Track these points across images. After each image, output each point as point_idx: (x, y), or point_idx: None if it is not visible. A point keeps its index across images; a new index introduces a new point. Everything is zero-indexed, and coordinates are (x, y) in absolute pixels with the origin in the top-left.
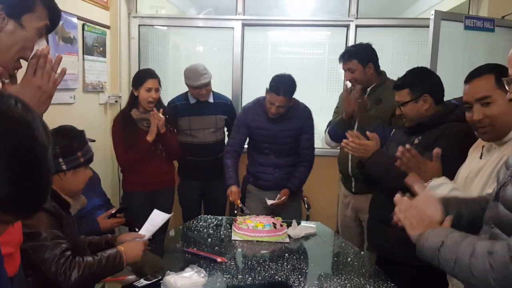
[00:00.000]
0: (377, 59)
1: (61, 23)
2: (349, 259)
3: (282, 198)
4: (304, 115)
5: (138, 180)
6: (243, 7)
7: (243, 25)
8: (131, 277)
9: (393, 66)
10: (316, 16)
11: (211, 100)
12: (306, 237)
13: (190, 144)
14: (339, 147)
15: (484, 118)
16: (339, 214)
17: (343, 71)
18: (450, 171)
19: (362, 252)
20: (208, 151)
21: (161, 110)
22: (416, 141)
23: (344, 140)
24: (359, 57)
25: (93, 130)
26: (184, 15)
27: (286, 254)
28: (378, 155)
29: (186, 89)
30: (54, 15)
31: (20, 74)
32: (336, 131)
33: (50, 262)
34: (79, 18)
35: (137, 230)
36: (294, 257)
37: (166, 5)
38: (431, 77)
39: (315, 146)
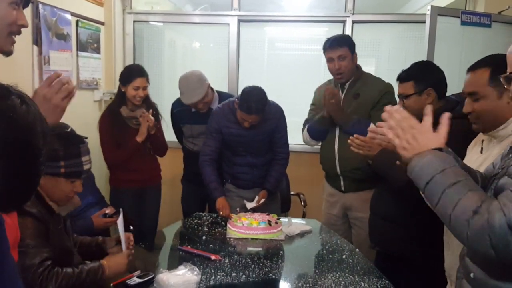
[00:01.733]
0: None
1: (54, 19)
2: (344, 256)
3: (261, 201)
4: (276, 115)
5: (126, 177)
6: (238, 3)
7: (239, 21)
8: (136, 272)
9: (390, 62)
10: (312, 12)
11: (214, 106)
12: (301, 234)
13: (191, 152)
14: (319, 145)
15: (472, 112)
16: (323, 213)
17: None
18: None
19: (357, 250)
20: None
21: (151, 111)
22: None
23: (351, 138)
24: (350, 44)
25: (87, 127)
26: (180, 11)
27: (281, 252)
28: (384, 153)
29: None
30: None
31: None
32: (317, 129)
33: (28, 270)
34: (73, 14)
35: (131, 228)
36: (289, 254)
37: (162, 1)
38: (436, 71)
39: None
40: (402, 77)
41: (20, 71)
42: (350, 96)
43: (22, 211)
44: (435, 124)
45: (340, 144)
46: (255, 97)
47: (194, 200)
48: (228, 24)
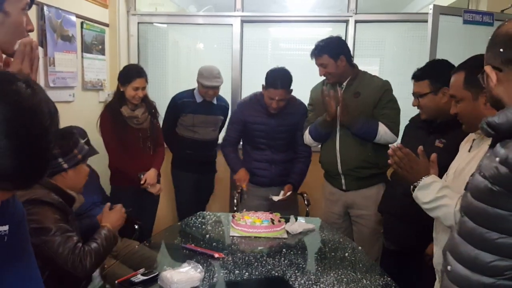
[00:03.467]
0: (349, 51)
1: (59, 21)
2: (346, 254)
3: (288, 194)
4: (300, 111)
5: (126, 176)
6: (242, 3)
7: (242, 21)
8: (141, 270)
9: (395, 62)
10: (316, 12)
11: (215, 101)
12: (305, 233)
13: (191, 139)
14: (319, 146)
15: (456, 113)
16: (324, 211)
17: None
18: None
19: (359, 247)
20: (206, 147)
21: (159, 187)
22: (439, 143)
23: (391, 149)
24: (329, 51)
25: (92, 127)
26: (184, 12)
27: (284, 250)
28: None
29: (186, 86)
30: None
31: None
32: (320, 133)
33: (66, 256)
34: (78, 16)
35: (136, 227)
36: (292, 252)
37: (166, 2)
38: (451, 71)
39: None
40: (418, 76)
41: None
42: (350, 95)
43: (41, 202)
44: (455, 126)
45: (342, 143)
46: (281, 73)
47: (187, 185)
48: (231, 24)
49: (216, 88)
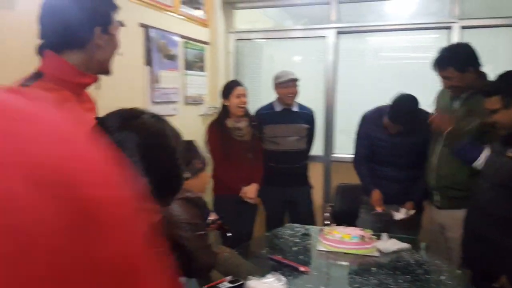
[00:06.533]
0: (478, 60)
1: (164, 41)
2: (442, 277)
3: (410, 212)
4: (427, 129)
5: (228, 185)
6: (337, 15)
7: (338, 33)
8: (228, 278)
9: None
10: (416, 19)
11: (295, 109)
12: (398, 252)
13: (273, 151)
14: None
15: None
16: (427, 228)
17: None
18: None
19: (458, 271)
20: (289, 158)
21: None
22: (510, 154)
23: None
24: (456, 63)
25: (193, 138)
26: (281, 26)
27: (373, 268)
28: None
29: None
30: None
31: None
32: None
33: (207, 251)
34: (181, 36)
35: (229, 235)
36: (382, 271)
37: (262, 18)
38: None
39: None
40: (487, 91)
41: (134, 89)
42: (464, 111)
43: (190, 200)
44: None
45: (440, 158)
46: (404, 107)
47: (274, 201)
48: (326, 37)
49: (295, 81)
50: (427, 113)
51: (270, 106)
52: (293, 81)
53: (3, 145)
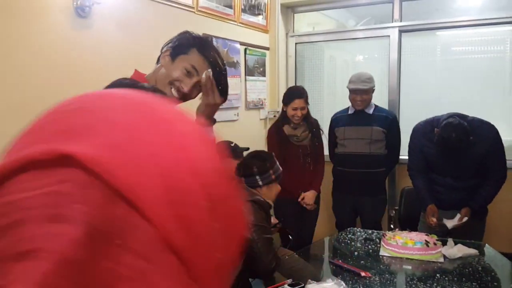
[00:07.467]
0: None
1: (226, 50)
2: None
3: (464, 219)
4: (488, 139)
5: (287, 189)
6: (399, 13)
7: (400, 31)
8: (288, 280)
9: None
10: (485, 14)
11: (370, 111)
12: (465, 258)
13: (341, 154)
14: None
15: None
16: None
17: None
18: None
19: None
20: (357, 162)
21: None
22: None
23: None
24: None
25: (254, 143)
26: (344, 26)
27: (438, 275)
28: None
29: (341, 100)
30: (212, 60)
31: None
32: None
33: (271, 255)
34: (242, 43)
35: (290, 237)
36: (447, 278)
37: (323, 20)
38: None
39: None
40: None
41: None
42: None
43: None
44: None
45: None
46: (453, 133)
47: (343, 208)
48: (389, 36)
49: (362, 92)
50: (484, 123)
51: (346, 109)
52: (359, 91)
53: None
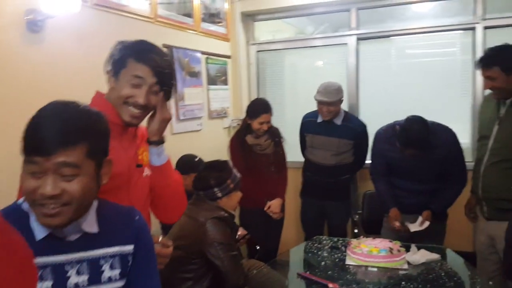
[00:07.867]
0: None
1: (186, 59)
2: None
3: (425, 224)
4: (447, 142)
5: (252, 198)
6: (356, 21)
7: (358, 39)
8: None
9: None
10: (438, 21)
11: (338, 122)
12: (428, 263)
13: (309, 161)
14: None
15: None
16: (475, 238)
17: (479, 74)
18: None
19: (490, 283)
20: (324, 172)
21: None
22: None
23: None
24: (502, 63)
25: (218, 152)
26: (302, 32)
27: (403, 282)
28: None
29: (303, 106)
30: (153, 64)
31: None
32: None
33: (238, 272)
34: (203, 53)
35: (257, 248)
36: (412, 285)
37: (283, 27)
38: None
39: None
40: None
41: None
42: (510, 117)
43: (222, 219)
44: None
45: (486, 168)
46: (413, 132)
47: (310, 212)
48: (346, 44)
49: (328, 104)
50: (443, 127)
51: (315, 113)
52: (325, 103)
53: None
